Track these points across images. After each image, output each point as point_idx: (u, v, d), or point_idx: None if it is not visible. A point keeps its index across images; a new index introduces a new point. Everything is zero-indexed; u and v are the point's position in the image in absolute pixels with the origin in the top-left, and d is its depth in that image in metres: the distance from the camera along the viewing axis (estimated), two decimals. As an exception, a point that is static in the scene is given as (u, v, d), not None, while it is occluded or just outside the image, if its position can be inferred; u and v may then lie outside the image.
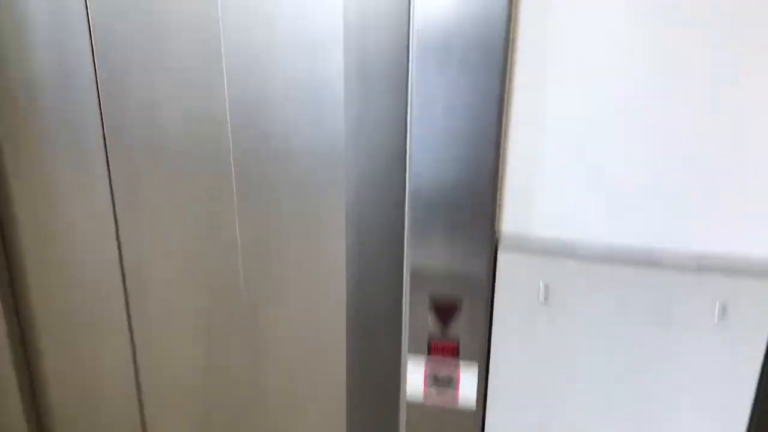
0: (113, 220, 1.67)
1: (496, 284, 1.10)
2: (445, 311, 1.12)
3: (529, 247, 1.07)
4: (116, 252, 1.80)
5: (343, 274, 1.31)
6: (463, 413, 1.17)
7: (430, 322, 1.14)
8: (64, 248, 1.84)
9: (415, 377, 1.17)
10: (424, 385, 1.17)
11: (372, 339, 1.28)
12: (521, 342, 1.14)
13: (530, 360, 1.15)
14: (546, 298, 1.09)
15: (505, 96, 1.01)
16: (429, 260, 1.10)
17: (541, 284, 1.10)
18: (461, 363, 1.15)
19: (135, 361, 1.91)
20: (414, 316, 1.15)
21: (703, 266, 1.04)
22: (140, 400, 1.96)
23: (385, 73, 1.09)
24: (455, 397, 1.16)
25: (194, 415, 1.94)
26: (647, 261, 1.06)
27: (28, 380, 1.98)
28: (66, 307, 1.86)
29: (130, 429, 1.97)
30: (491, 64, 0.99)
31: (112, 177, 1.50)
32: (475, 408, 1.17)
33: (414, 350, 1.17)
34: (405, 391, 1.18)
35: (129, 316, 1.86)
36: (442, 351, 1.15)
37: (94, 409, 1.99)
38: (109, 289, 1.84)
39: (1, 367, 1.92)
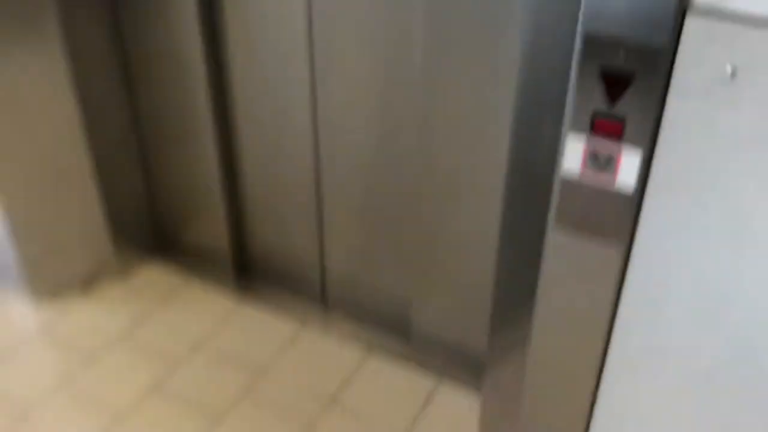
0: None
1: (677, 58, 1.01)
2: (614, 85, 1.06)
3: (721, 15, 0.95)
4: (306, 25, 1.87)
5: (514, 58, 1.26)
6: (618, 197, 1.14)
7: (597, 97, 1.09)
8: (258, 24, 1.94)
9: (573, 155, 1.14)
10: (582, 164, 1.14)
11: (537, 118, 1.25)
12: (695, 129, 1.05)
13: (702, 151, 1.07)
14: (733, 78, 0.98)
15: None
16: (604, 26, 1.03)
17: (728, 66, 0.99)
18: (624, 144, 1.10)
19: (316, 132, 2.04)
20: (581, 90, 1.09)
21: None
22: (317, 170, 2.11)
23: None
24: (613, 179, 1.13)
25: (365, 186, 2.06)
26: None
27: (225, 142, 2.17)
28: (257, 75, 1.98)
29: (307, 192, 2.15)
30: None
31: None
32: (632, 193, 1.13)
33: (576, 128, 1.13)
34: (561, 169, 1.16)
35: (314, 88, 1.97)
36: (606, 129, 1.10)
37: (280, 174, 2.17)
38: (296, 61, 1.93)
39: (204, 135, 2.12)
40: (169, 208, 2.45)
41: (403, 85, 1.81)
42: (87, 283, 2.35)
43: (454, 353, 2.11)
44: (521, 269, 1.42)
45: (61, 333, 2.19)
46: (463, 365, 2.10)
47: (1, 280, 2.33)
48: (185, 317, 2.26)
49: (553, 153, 1.19)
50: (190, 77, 2.08)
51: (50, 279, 2.30)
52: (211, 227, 2.37)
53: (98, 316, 2.26)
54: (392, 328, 2.23)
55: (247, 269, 2.46)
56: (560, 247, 1.25)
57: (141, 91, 2.23)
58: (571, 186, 1.17)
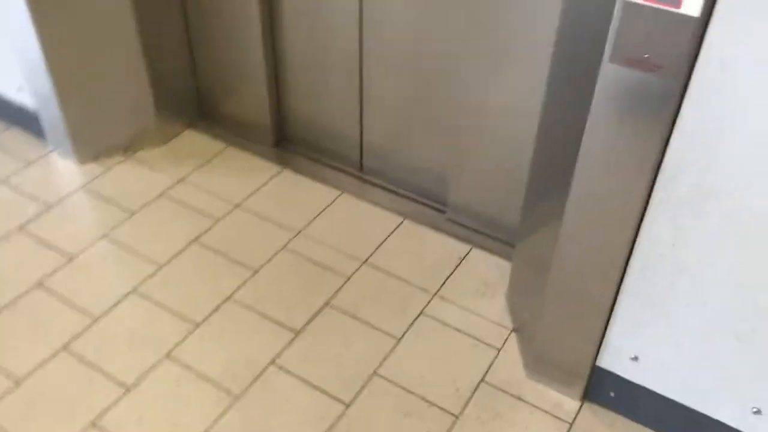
0: None
1: None
2: None
3: None
4: None
5: None
6: (682, 20, 1.10)
7: None
8: None
9: (638, -24, 1.11)
10: (646, -15, 1.10)
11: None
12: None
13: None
14: None
15: None
16: None
17: None
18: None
19: (361, 26, 2.01)
20: None
21: None
22: (361, 59, 2.08)
23: None
24: (678, 3, 1.09)
25: (405, 76, 2.04)
26: None
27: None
28: None
29: (348, 65, 2.12)
30: None
31: None
32: (698, 17, 1.09)
33: (643, -52, 1.09)
34: (623, -8, 1.13)
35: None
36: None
37: (321, 48, 2.14)
38: None
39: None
40: (211, 80, 2.44)
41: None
42: (130, 147, 2.39)
43: (486, 224, 2.12)
44: (565, 128, 1.41)
45: (105, 190, 2.24)
46: (495, 236, 2.12)
47: (49, 140, 2.37)
48: (226, 180, 2.29)
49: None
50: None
51: (95, 141, 2.33)
52: (253, 98, 2.37)
53: (140, 177, 2.30)
54: (428, 199, 2.25)
55: (287, 140, 2.47)
56: (613, 85, 1.22)
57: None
58: (632, 10, 1.13)
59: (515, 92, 1.83)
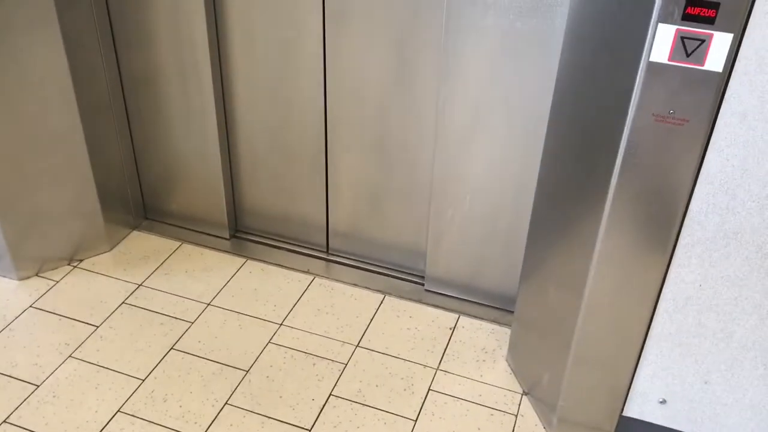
0: None
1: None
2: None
3: None
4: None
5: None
6: (706, 76, 1.19)
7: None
8: None
9: (663, 39, 1.18)
10: (672, 47, 1.18)
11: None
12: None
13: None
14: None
15: None
16: None
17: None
18: (716, 30, 1.14)
19: (325, 86, 2.00)
20: (673, -28, 1.13)
21: None
22: (326, 143, 2.06)
23: None
24: (703, 58, 1.17)
25: (372, 154, 2.04)
26: None
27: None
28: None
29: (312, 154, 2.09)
30: None
31: None
32: (720, 71, 1.18)
33: (665, 17, 1.17)
34: (648, 52, 1.20)
35: (324, 43, 1.93)
36: (698, 12, 1.14)
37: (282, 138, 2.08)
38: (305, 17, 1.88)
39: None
40: (157, 177, 2.33)
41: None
42: (75, 255, 2.20)
43: (467, 291, 2.13)
44: (577, 192, 1.46)
45: (58, 306, 2.04)
46: (478, 301, 2.12)
47: (-21, 257, 2.15)
48: (188, 279, 2.16)
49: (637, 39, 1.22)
50: (190, 34, 1.99)
51: (37, 253, 2.12)
52: (207, 192, 2.27)
53: (94, 287, 2.11)
54: (403, 272, 2.23)
55: (243, 230, 2.38)
56: (639, 133, 1.28)
57: (128, 54, 2.10)
58: (656, 70, 1.21)
59: (488, 161, 1.88)
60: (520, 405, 1.82)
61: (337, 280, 2.20)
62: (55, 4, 1.83)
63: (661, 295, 1.45)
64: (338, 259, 2.29)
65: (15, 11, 1.79)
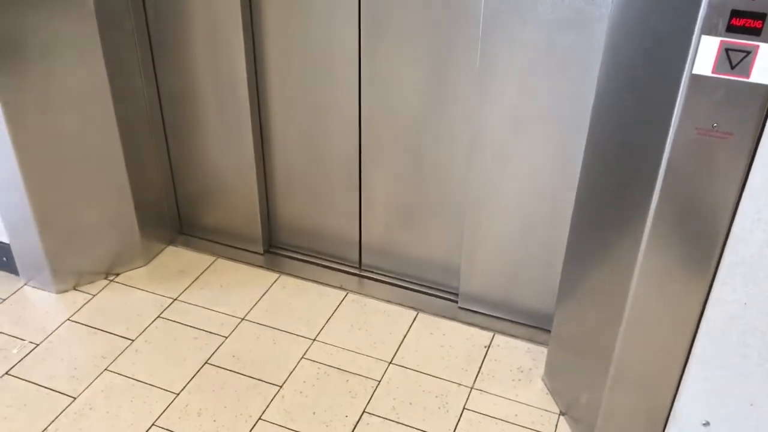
0: None
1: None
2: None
3: None
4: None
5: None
6: (751, 88, 1.16)
7: (734, -9, 1.11)
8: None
9: (706, 51, 1.16)
10: (715, 59, 1.16)
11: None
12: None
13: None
14: None
15: None
16: None
17: None
18: (762, 41, 1.12)
19: (360, 101, 2.01)
20: (716, -16, 1.11)
21: None
22: (360, 159, 2.07)
23: None
24: (748, 70, 1.15)
25: (406, 170, 2.04)
26: None
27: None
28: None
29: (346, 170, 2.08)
30: None
31: None
32: (767, 84, 1.15)
33: (709, 28, 1.15)
34: (691, 64, 1.18)
35: (360, 58, 1.93)
36: (744, 24, 1.12)
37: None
38: (342, 34, 1.89)
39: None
40: (192, 192, 2.35)
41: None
42: (111, 270, 2.23)
43: (501, 309, 2.10)
44: (619, 212, 1.43)
45: (94, 320, 2.06)
46: (513, 319, 2.09)
47: (21, 271, 2.18)
48: (223, 294, 2.17)
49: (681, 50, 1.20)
50: (228, 51, 2.02)
51: (75, 267, 2.15)
52: (242, 207, 2.29)
53: (130, 301, 2.14)
54: (436, 289, 2.21)
55: (277, 245, 2.39)
56: (681, 147, 1.26)
57: (167, 72, 2.14)
58: (700, 82, 1.18)
59: (524, 177, 1.86)
60: (557, 426, 1.78)
61: (370, 296, 2.19)
62: (98, 23, 1.87)
63: (704, 315, 1.41)
64: (371, 275, 2.28)
65: (59, 30, 1.83)
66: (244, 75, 2.04)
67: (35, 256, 2.10)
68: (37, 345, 1.98)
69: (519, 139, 1.81)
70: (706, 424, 1.54)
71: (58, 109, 1.93)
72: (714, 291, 1.38)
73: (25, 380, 1.87)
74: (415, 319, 2.11)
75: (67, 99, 1.93)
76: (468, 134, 1.90)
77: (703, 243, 1.33)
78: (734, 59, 1.15)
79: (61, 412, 1.78)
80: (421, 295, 2.20)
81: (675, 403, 1.55)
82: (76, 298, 2.15)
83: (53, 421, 1.76)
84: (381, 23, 1.88)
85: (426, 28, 1.84)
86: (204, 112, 2.17)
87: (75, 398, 1.82)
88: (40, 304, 2.12)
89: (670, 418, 1.58)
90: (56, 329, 2.03)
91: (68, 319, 2.07)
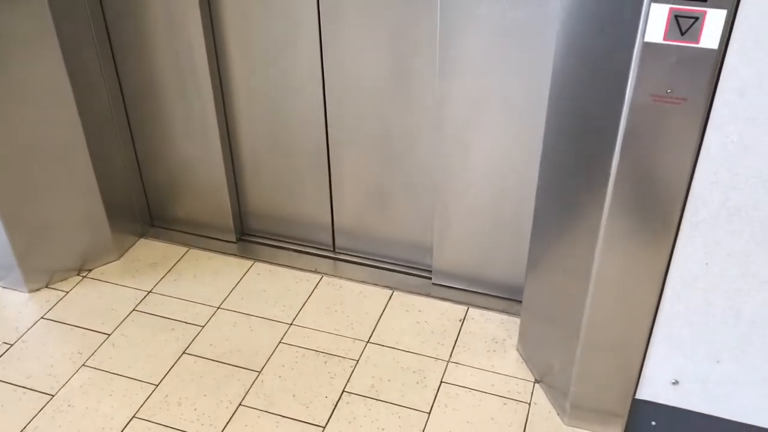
0: None
1: None
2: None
3: None
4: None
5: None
6: (702, 53, 1.19)
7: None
8: None
9: (657, 18, 1.18)
10: (666, 26, 1.18)
11: None
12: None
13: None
14: None
15: None
16: None
17: None
18: (709, 7, 1.15)
19: (323, 83, 2.01)
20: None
21: None
22: (327, 140, 2.07)
23: None
24: (697, 36, 1.18)
25: (374, 149, 2.05)
26: None
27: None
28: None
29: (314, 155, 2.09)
30: None
31: None
32: (716, 48, 1.18)
33: (656, -7, 1.17)
34: (643, 32, 1.20)
35: (321, 41, 1.93)
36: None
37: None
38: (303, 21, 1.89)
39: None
40: (161, 184, 2.34)
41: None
42: (84, 266, 2.22)
43: (473, 282, 2.13)
44: (580, 175, 1.46)
45: (69, 316, 2.05)
46: (485, 292, 2.13)
47: (-11, 272, 2.17)
48: (197, 284, 2.17)
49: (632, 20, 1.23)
50: (187, 40, 2.00)
51: (46, 265, 2.14)
52: (212, 197, 2.29)
53: (104, 295, 2.13)
54: (410, 267, 2.23)
55: (249, 232, 2.39)
56: (637, 114, 1.28)
57: (127, 64, 2.12)
58: (652, 49, 1.21)
59: (489, 152, 1.88)
60: (532, 393, 1.83)
61: (344, 278, 2.21)
62: (53, 17, 1.85)
63: (668, 275, 1.45)
64: (345, 257, 2.30)
65: (12, 25, 1.81)
66: (206, 65, 2.03)
67: (4, 256, 2.08)
68: (11, 345, 1.97)
69: (482, 115, 1.83)
70: (675, 382, 1.59)
71: (19, 107, 1.90)
72: (677, 252, 1.42)
73: (1, 381, 1.86)
74: (390, 297, 2.13)
75: (28, 96, 1.91)
76: (432, 111, 1.91)
77: (663, 205, 1.37)
78: (684, 25, 1.18)
79: (40, 410, 1.78)
80: (395, 274, 2.23)
81: (645, 364, 1.59)
82: (50, 295, 2.14)
83: (32, 419, 1.76)
84: (340, 7, 1.88)
85: (386, 9, 1.84)
86: (168, 105, 2.15)
87: (53, 396, 1.82)
88: (12, 304, 2.10)
89: (641, 379, 1.62)
90: (30, 328, 2.02)
91: (42, 318, 2.06)
